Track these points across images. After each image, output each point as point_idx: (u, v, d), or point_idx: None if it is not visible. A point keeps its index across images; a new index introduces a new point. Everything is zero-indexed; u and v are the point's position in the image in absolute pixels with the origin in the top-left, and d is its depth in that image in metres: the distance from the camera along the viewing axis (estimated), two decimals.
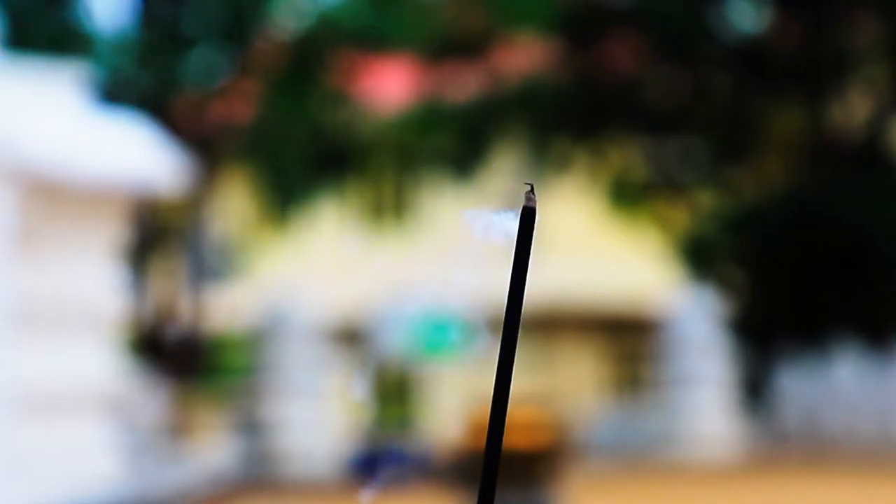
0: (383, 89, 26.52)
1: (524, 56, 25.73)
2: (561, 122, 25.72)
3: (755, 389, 23.55)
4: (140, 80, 23.95)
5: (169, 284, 25.67)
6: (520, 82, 25.33)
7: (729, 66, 25.97)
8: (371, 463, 20.06)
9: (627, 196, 26.78)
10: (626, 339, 31.59)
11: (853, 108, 25.76)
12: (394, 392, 31.25)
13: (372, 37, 24.14)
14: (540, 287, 27.23)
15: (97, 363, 13.32)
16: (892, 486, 16.68)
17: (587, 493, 15.57)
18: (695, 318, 22.37)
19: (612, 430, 24.49)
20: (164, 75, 23.99)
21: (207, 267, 26.14)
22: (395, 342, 26.00)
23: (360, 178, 28.03)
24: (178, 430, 20.38)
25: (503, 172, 25.98)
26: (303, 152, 24.52)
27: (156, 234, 25.42)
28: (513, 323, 1.42)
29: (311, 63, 24.43)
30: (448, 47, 24.94)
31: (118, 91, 22.27)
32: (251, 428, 20.18)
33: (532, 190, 1.47)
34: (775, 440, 22.78)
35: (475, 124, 24.83)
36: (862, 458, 20.36)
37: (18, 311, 12.44)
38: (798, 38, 25.86)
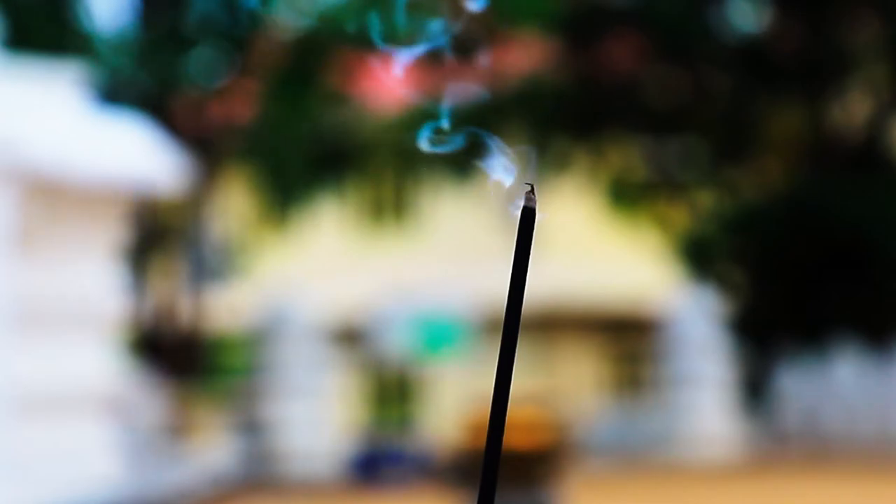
0: (383, 89, 26.53)
1: (524, 56, 25.73)
2: (561, 121, 25.73)
3: (755, 389, 23.55)
4: (140, 80, 23.96)
5: (169, 284, 25.68)
6: (520, 82, 25.34)
7: (729, 66, 25.97)
8: (371, 463, 20.07)
9: (627, 196, 26.79)
10: (626, 339, 31.59)
11: (853, 108, 25.77)
12: (394, 392, 31.25)
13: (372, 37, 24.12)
14: (540, 287, 27.23)
15: (97, 363, 13.32)
16: (892, 486, 16.68)
17: (587, 493, 15.58)
18: (695, 318, 22.37)
19: (612, 430, 24.49)
20: (164, 75, 23.99)
21: (207, 267, 26.14)
22: (395, 342, 26.00)
23: (360, 178, 28.05)
24: (178, 430, 20.38)
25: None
26: (303, 152, 24.53)
27: (156, 234, 25.42)
28: (513, 323, 1.42)
29: (311, 63, 24.43)
30: (448, 47, 24.92)
31: (118, 91, 22.27)
32: (251, 428, 20.18)
33: (532, 190, 1.47)
34: (775, 440, 22.79)
35: (475, 124, 24.81)
36: (862, 458, 20.36)
37: (18, 311, 12.44)
38: (798, 38, 25.86)
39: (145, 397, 18.46)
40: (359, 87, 25.53)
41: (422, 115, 25.49)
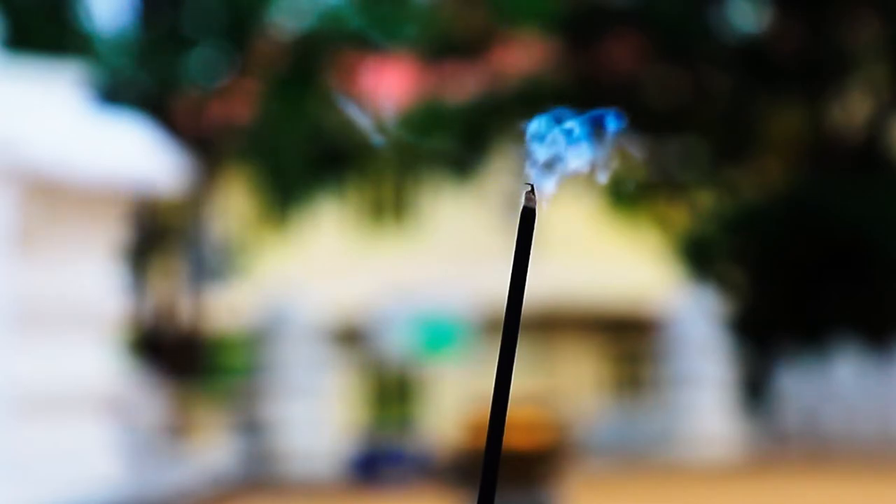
0: (383, 89, 26.52)
1: (524, 56, 25.73)
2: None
3: (755, 389, 23.55)
4: (140, 80, 23.96)
5: (169, 284, 25.68)
6: (520, 82, 25.33)
7: (729, 66, 25.97)
8: (371, 463, 20.07)
9: (627, 196, 26.78)
10: (626, 339, 31.59)
11: (853, 108, 25.77)
12: (394, 392, 31.25)
13: (372, 37, 24.14)
14: (540, 287, 27.23)
15: (97, 363, 13.32)
16: (892, 486, 16.68)
17: (587, 493, 15.57)
18: (695, 318, 22.37)
19: (612, 430, 24.49)
20: (164, 75, 23.99)
21: (207, 267, 26.14)
22: (395, 342, 26.00)
23: (360, 178, 28.04)
24: (178, 430, 20.38)
25: (503, 172, 25.99)
26: (303, 152, 24.53)
27: (156, 234, 25.42)
28: (513, 323, 1.42)
29: (311, 63, 24.43)
30: (448, 47, 24.94)
31: (118, 91, 22.26)
32: (251, 428, 20.18)
33: (532, 190, 1.47)
34: (775, 440, 22.79)
35: (475, 124, 24.84)
36: (862, 458, 20.36)
37: (18, 311, 12.44)
38: (798, 38, 25.86)
39: (145, 397, 18.46)
40: (359, 87, 25.52)
41: (422, 115, 25.49)
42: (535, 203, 1.46)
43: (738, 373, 22.77)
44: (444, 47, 24.94)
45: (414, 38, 24.42)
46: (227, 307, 27.31)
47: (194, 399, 22.45)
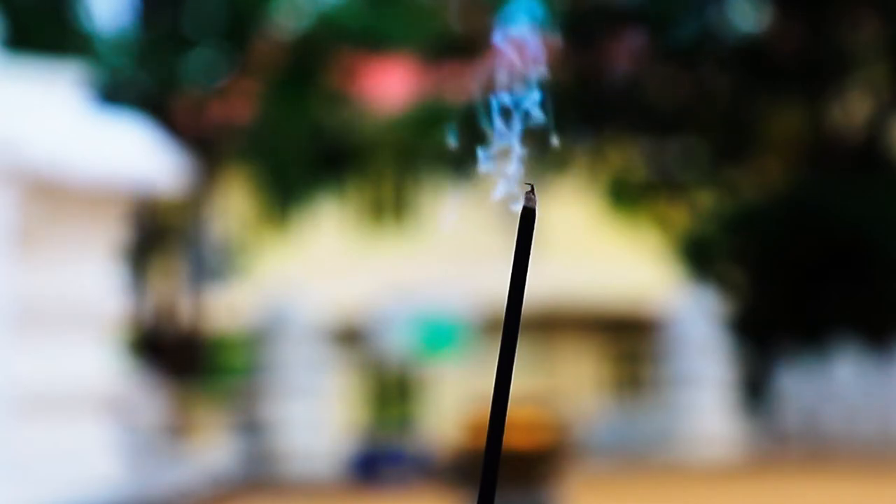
0: (383, 89, 26.52)
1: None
2: (561, 121, 25.70)
3: (755, 389, 23.55)
4: (140, 80, 23.96)
5: (169, 284, 25.68)
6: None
7: (729, 66, 25.97)
8: (371, 463, 20.07)
9: (627, 196, 26.79)
10: (626, 339, 31.59)
11: (853, 108, 25.77)
12: (394, 392, 31.25)
13: (372, 37, 24.15)
14: (540, 287, 27.23)
15: (97, 363, 13.32)
16: (892, 486, 16.68)
17: (587, 493, 15.58)
18: (695, 318, 22.37)
19: (612, 430, 24.49)
20: (164, 75, 24.00)
21: (207, 267, 26.14)
22: (395, 342, 26.00)
23: (360, 178, 28.04)
24: (178, 430, 20.38)
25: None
26: (303, 152, 24.53)
27: (156, 234, 25.42)
28: (513, 323, 1.42)
29: (311, 63, 24.43)
30: (448, 47, 24.94)
31: (118, 91, 22.27)
32: (251, 428, 20.19)
33: (532, 190, 1.47)
34: (775, 440, 22.79)
35: (475, 124, 24.81)
36: (862, 458, 20.36)
37: (18, 311, 12.44)
38: (798, 39, 25.86)
39: (145, 397, 18.46)
40: (359, 87, 25.53)
41: (422, 115, 25.43)
42: (535, 203, 1.46)
43: (738, 373, 22.77)
44: (444, 47, 24.94)
45: (414, 39, 24.41)
46: (227, 307, 27.31)
47: (194, 399, 22.45)
